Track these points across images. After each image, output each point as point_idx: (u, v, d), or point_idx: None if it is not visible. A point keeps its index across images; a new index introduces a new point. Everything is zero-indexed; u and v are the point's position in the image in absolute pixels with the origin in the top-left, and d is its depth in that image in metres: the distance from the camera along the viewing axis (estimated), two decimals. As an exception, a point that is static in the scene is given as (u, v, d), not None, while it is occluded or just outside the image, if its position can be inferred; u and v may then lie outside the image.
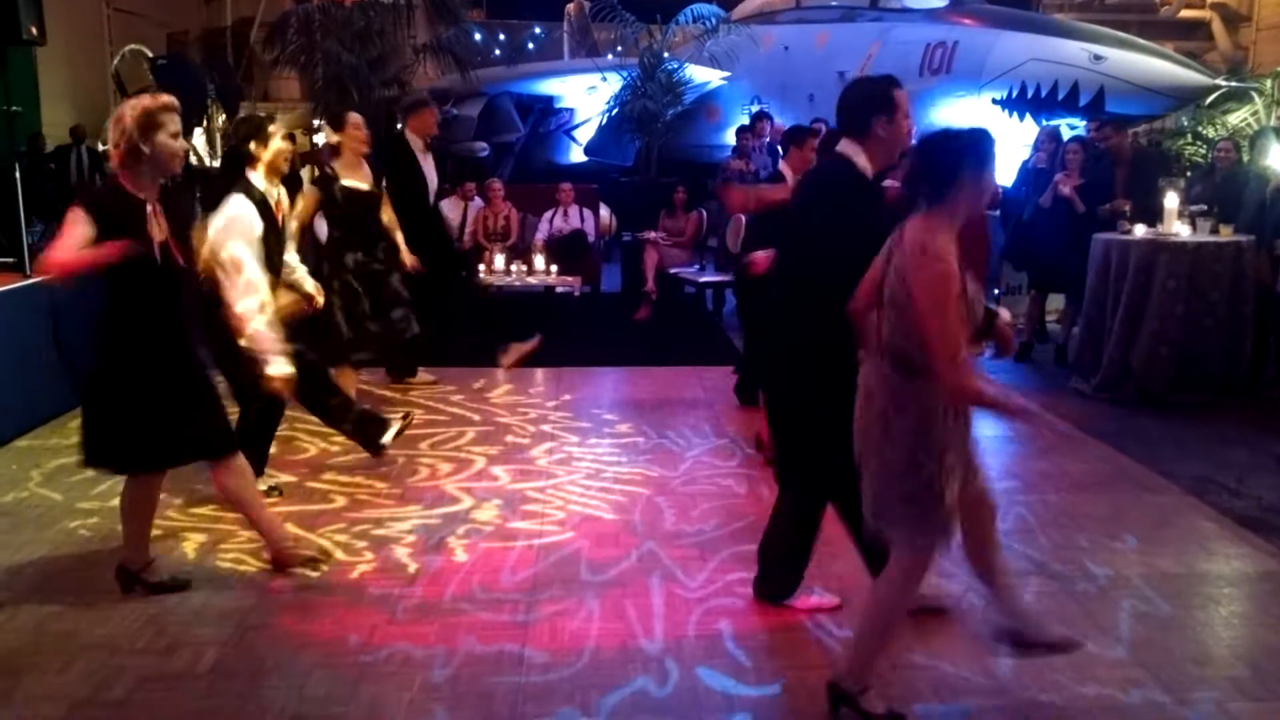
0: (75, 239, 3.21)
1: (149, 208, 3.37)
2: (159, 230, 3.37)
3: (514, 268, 8.94)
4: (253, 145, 4.18)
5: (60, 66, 11.09)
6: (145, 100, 3.36)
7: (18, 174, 6.37)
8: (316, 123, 11.82)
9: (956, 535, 2.86)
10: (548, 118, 15.23)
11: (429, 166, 6.62)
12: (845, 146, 3.26)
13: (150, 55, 12.35)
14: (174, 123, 3.37)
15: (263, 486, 4.55)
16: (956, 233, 2.69)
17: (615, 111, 12.45)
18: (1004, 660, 3.31)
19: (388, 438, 4.97)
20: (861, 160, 3.23)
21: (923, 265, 2.61)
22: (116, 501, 4.35)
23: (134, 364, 3.41)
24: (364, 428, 4.94)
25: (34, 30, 6.54)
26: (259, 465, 4.44)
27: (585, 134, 14.85)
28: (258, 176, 4.17)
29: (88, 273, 3.27)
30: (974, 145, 2.70)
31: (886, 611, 2.91)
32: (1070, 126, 8.98)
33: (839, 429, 2.98)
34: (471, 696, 3.10)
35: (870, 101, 3.22)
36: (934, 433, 2.72)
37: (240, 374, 4.14)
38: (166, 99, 3.39)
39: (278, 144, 4.23)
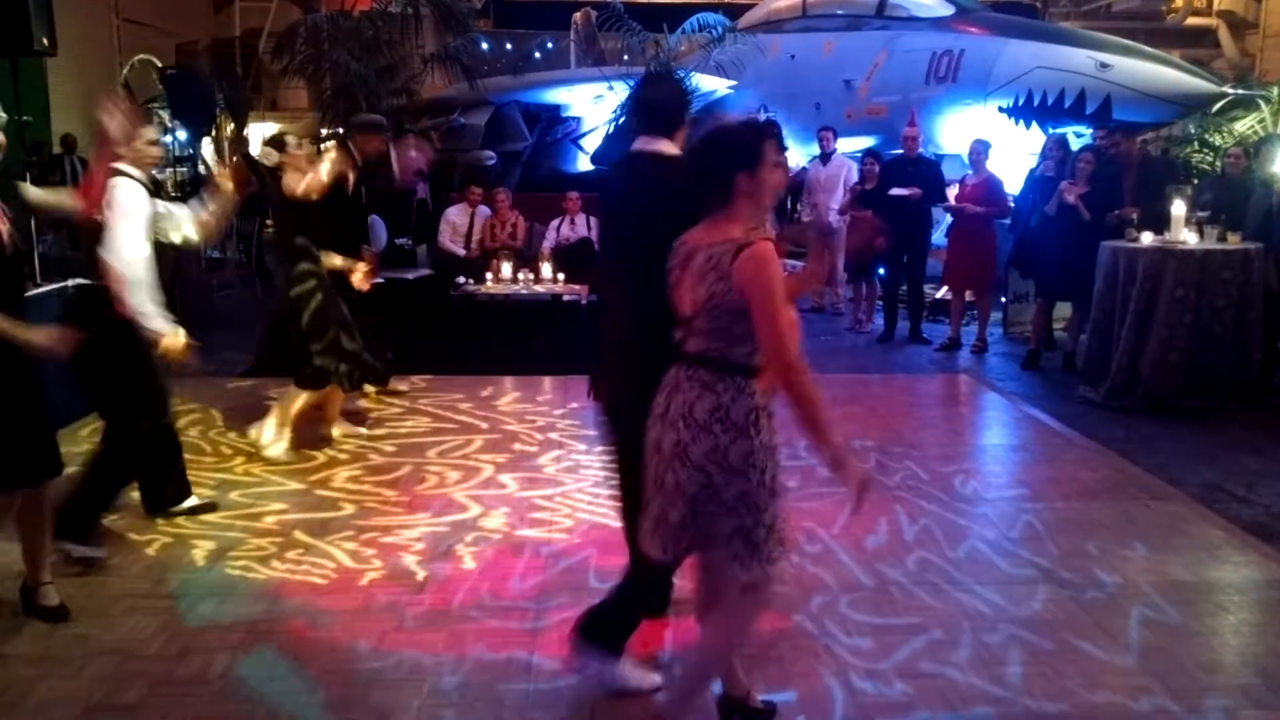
0: None
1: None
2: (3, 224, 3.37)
3: (521, 276, 8.97)
4: None
5: (70, 77, 11.17)
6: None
7: (29, 182, 6.42)
8: (325, 132, 11.86)
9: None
10: (555, 126, 15.27)
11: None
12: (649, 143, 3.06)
13: (159, 65, 12.42)
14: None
15: (191, 504, 4.56)
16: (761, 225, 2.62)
17: (622, 120, 12.46)
18: (1013, 668, 3.31)
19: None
20: (669, 149, 3.05)
21: (750, 262, 2.49)
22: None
23: None
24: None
25: (45, 41, 6.60)
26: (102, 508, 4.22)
27: (592, 142, 14.88)
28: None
29: None
30: (740, 143, 2.58)
31: (720, 648, 2.76)
32: (1077, 135, 8.99)
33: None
34: (481, 703, 3.10)
35: (678, 103, 3.11)
36: (762, 437, 2.57)
37: (123, 399, 4.07)
38: None
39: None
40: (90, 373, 3.96)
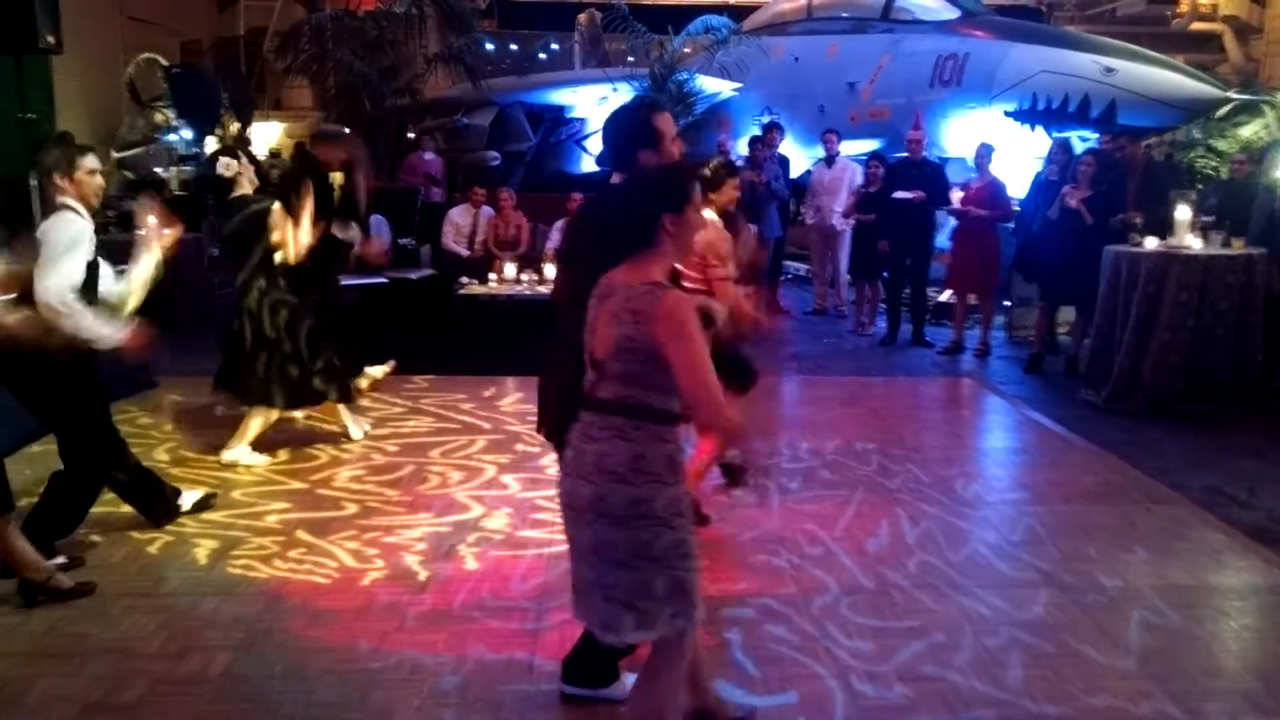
0: None
1: None
2: None
3: (524, 277, 8.96)
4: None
5: (75, 74, 11.14)
6: None
7: (32, 182, 6.43)
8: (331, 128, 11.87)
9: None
10: (559, 127, 15.28)
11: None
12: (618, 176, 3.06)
13: (164, 64, 12.42)
14: None
15: (193, 499, 4.59)
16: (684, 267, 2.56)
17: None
18: (1014, 671, 3.31)
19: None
20: None
21: (665, 303, 2.38)
22: (127, 508, 4.41)
23: None
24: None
25: (50, 39, 6.61)
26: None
27: (596, 144, 14.89)
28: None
29: None
30: (667, 184, 2.52)
31: (658, 710, 2.59)
32: (1081, 139, 8.99)
33: None
34: (481, 704, 3.10)
35: (633, 133, 3.03)
36: (678, 485, 2.46)
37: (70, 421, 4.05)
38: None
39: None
40: (39, 404, 3.95)
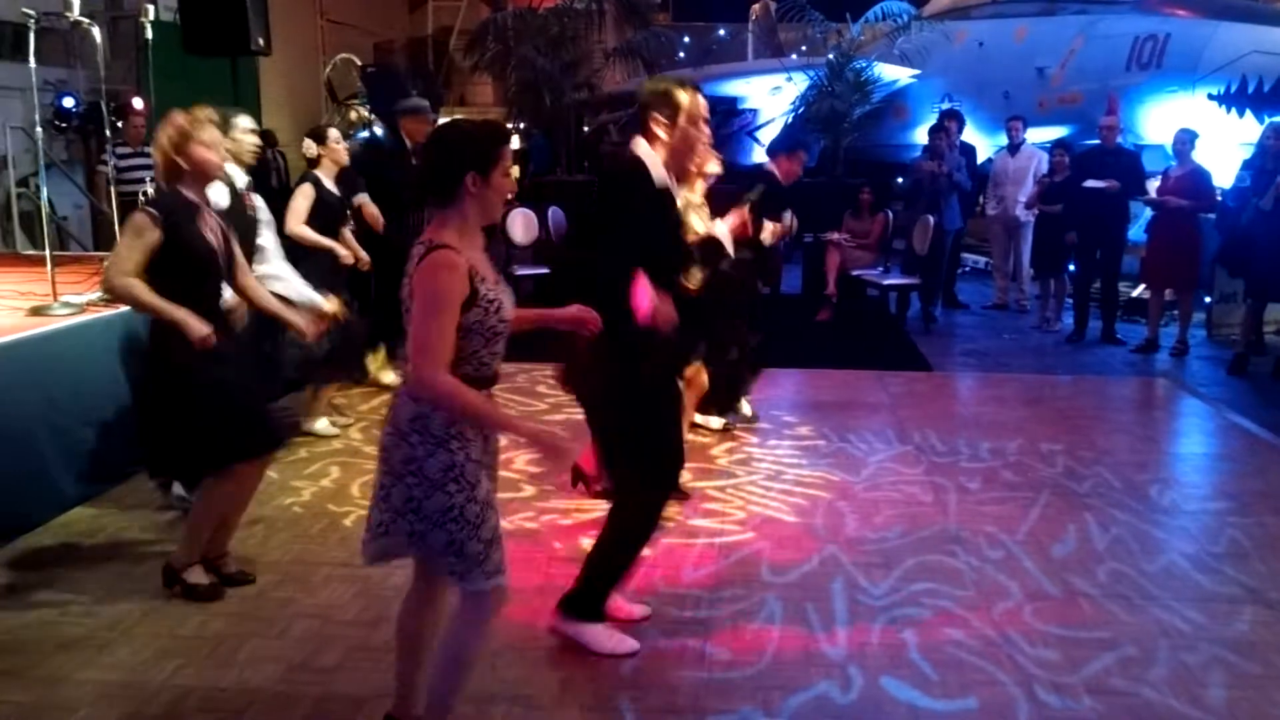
0: (140, 248, 3.37)
1: (203, 209, 3.55)
2: (212, 230, 3.53)
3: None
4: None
5: (279, 75, 11.86)
6: (177, 118, 3.47)
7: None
8: (509, 125, 12.24)
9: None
10: (731, 119, 15.24)
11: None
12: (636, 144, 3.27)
13: (359, 63, 13.07)
14: (207, 131, 3.48)
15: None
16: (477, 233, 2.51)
17: (801, 111, 12.34)
18: (1215, 690, 3.12)
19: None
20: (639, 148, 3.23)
21: (425, 260, 2.39)
22: (326, 481, 4.68)
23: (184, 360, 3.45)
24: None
25: (261, 41, 7.07)
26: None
27: (769, 134, 14.79)
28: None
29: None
30: (475, 143, 2.46)
31: (462, 668, 2.69)
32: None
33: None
34: (656, 688, 3.15)
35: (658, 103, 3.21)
36: (469, 451, 2.48)
37: None
38: (202, 111, 3.51)
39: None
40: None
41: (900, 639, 3.45)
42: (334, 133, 5.64)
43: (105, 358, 4.73)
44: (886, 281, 9.20)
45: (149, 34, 6.42)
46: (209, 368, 3.46)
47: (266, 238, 4.86)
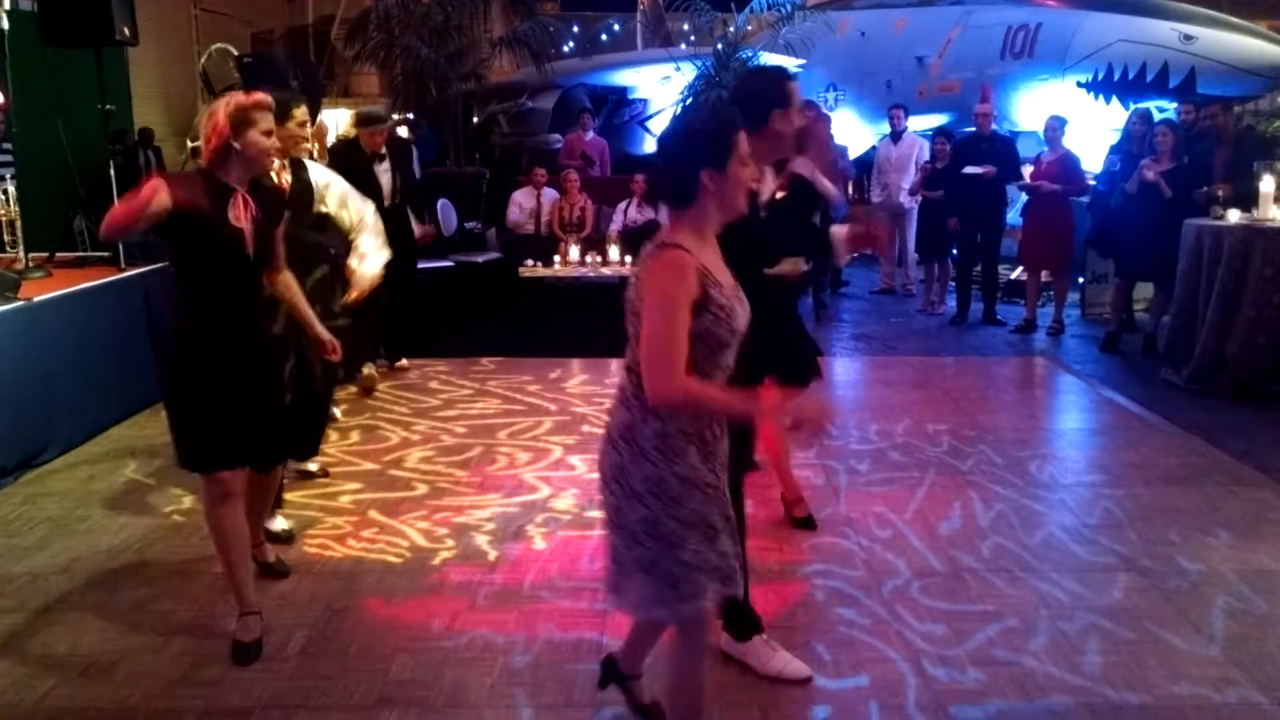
0: (144, 201, 2.99)
1: (238, 194, 3.22)
2: (244, 217, 3.21)
3: (589, 259, 9.00)
4: None
5: (150, 66, 11.41)
6: (239, 97, 3.23)
7: (112, 171, 6.61)
8: (396, 116, 12.00)
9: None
10: (621, 109, 15.26)
11: (382, 173, 6.60)
12: None
13: (236, 54, 12.64)
14: (266, 120, 3.24)
15: (313, 467, 4.86)
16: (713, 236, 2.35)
17: (689, 101, 12.41)
18: (1092, 657, 3.24)
19: None
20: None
21: (653, 259, 2.26)
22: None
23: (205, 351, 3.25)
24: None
25: (126, 31, 6.76)
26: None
27: (659, 124, 14.85)
28: None
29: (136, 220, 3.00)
30: (705, 138, 2.29)
31: (685, 695, 2.54)
32: (1159, 110, 8.72)
33: None
34: (552, 682, 3.13)
35: (767, 94, 3.10)
36: (676, 468, 2.29)
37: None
38: (260, 96, 3.27)
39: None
40: None
41: (794, 622, 3.49)
42: (300, 111, 5.45)
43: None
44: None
45: (4, 24, 6.09)
46: (211, 364, 3.23)
47: None
